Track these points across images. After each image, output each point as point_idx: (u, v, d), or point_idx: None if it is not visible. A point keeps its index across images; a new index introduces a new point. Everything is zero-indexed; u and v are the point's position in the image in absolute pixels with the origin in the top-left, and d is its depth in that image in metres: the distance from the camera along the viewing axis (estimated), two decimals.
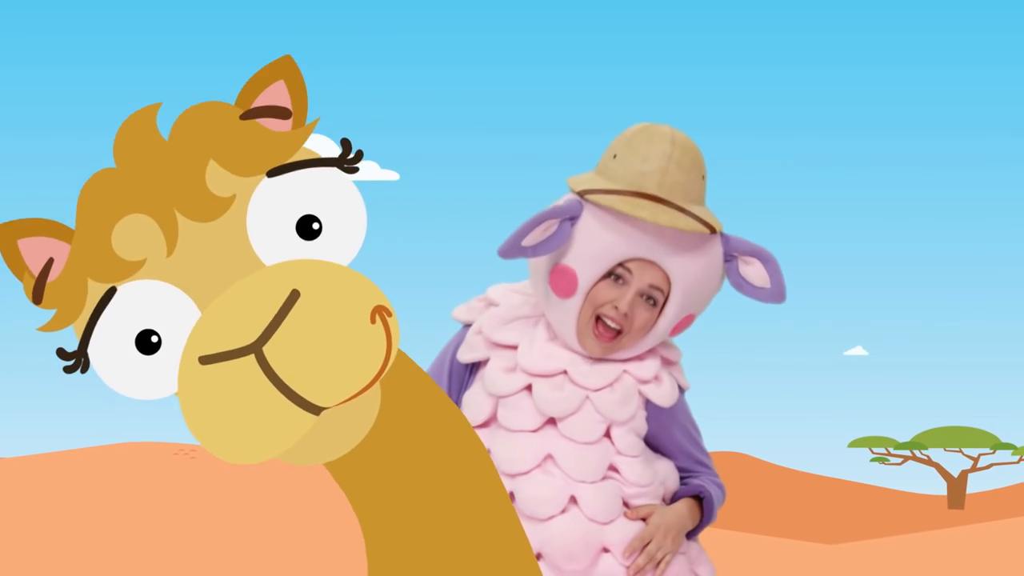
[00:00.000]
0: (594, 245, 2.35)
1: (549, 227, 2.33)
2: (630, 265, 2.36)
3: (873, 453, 26.80)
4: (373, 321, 1.63)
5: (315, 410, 1.62)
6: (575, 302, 2.37)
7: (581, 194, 2.37)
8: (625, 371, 2.43)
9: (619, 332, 2.39)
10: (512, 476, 2.37)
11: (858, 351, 29.66)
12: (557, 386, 2.39)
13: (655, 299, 2.38)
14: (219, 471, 15.54)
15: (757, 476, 28.56)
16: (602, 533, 2.39)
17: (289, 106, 1.73)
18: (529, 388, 2.40)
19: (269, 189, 1.70)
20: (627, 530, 2.41)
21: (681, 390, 2.51)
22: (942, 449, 26.55)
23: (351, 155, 1.73)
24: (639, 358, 2.44)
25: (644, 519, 2.42)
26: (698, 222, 2.35)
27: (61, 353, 1.71)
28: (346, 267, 1.68)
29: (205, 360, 1.62)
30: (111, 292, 1.68)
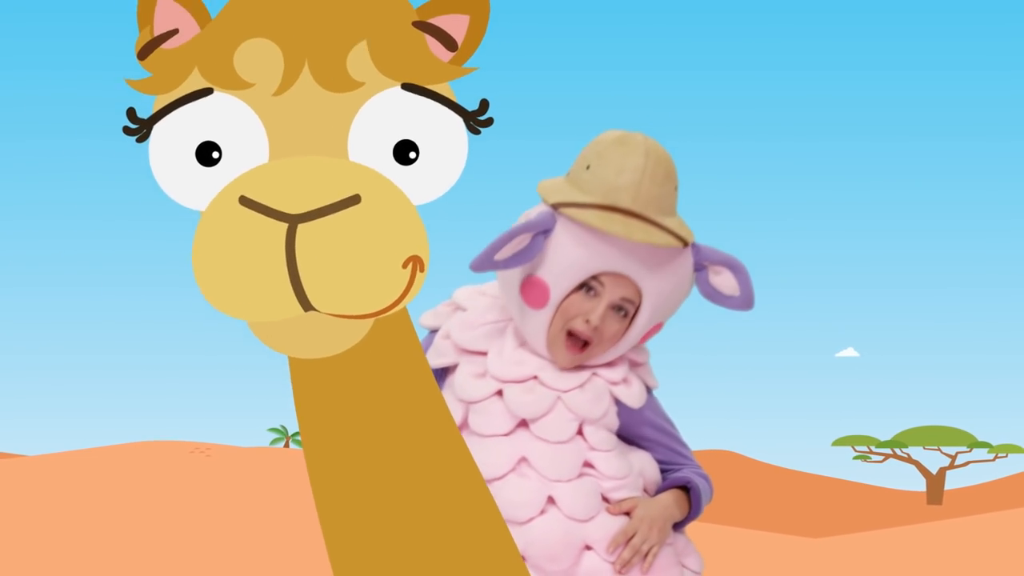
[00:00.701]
0: (566, 259, 2.28)
1: (522, 240, 2.27)
2: (602, 278, 2.30)
3: (855, 451, 26.82)
4: (405, 266, 1.59)
5: (306, 305, 1.58)
6: (546, 314, 2.30)
7: (555, 206, 2.30)
8: (595, 374, 2.36)
9: (588, 343, 2.32)
10: (488, 481, 2.29)
11: (849, 352, 29.73)
12: (528, 389, 2.32)
13: (626, 310, 2.32)
14: (233, 469, 15.52)
15: (746, 473, 28.55)
16: (583, 531, 2.31)
17: (460, 41, 1.68)
18: (499, 393, 2.33)
19: (394, 98, 1.65)
20: (609, 526, 2.32)
21: (650, 390, 2.44)
22: (921, 447, 26.57)
23: (484, 116, 1.67)
24: (608, 364, 2.38)
25: (628, 513, 2.34)
26: (672, 236, 2.28)
27: (132, 114, 1.65)
28: (414, 208, 1.62)
29: (244, 201, 1.57)
30: (207, 91, 1.64)
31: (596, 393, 2.35)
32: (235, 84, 1.63)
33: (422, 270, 1.60)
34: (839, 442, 27.02)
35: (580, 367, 2.35)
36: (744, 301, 2.34)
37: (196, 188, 1.65)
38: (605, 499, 2.34)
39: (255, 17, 1.64)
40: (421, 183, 1.66)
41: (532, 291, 2.30)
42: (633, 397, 2.38)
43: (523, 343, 2.35)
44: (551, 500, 2.30)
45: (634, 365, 2.42)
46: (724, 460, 29.06)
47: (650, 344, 2.43)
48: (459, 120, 1.67)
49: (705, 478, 2.46)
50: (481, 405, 2.32)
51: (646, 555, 2.31)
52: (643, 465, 2.41)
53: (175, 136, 1.65)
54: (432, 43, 1.67)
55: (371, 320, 1.66)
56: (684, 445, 2.49)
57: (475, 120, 1.67)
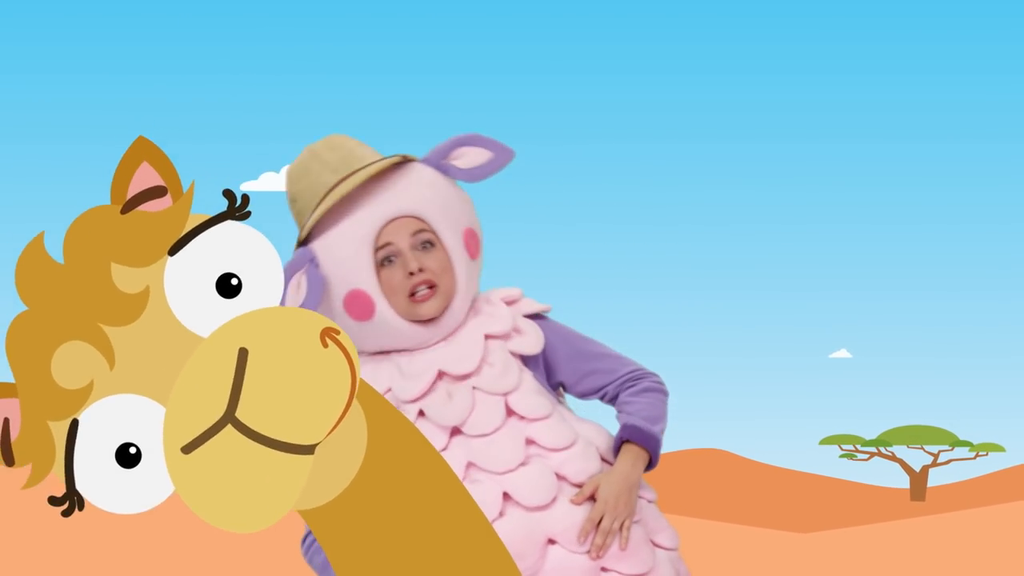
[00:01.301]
0: (344, 255, 2.23)
1: (299, 283, 2.22)
2: (383, 239, 2.25)
3: (842, 450, 26.80)
4: (326, 345, 1.54)
5: (308, 450, 1.53)
6: (383, 308, 2.25)
7: (299, 243, 2.29)
8: (486, 335, 2.29)
9: (433, 284, 2.26)
10: None
11: (843, 354, 29.60)
12: (443, 397, 2.26)
13: (429, 240, 2.26)
14: None
15: (736, 471, 28.51)
16: (547, 521, 2.21)
17: (161, 183, 1.63)
18: (421, 413, 2.26)
19: (176, 267, 1.60)
20: (574, 515, 2.22)
21: (542, 319, 2.35)
22: (905, 446, 26.57)
23: (238, 203, 1.62)
24: (486, 314, 2.30)
25: (592, 497, 2.23)
26: (388, 158, 2.26)
27: (53, 501, 1.62)
28: (277, 306, 1.59)
29: (187, 449, 1.53)
30: (74, 425, 1.59)
31: (503, 364, 2.27)
32: (81, 398, 1.59)
33: (339, 332, 1.56)
34: (826, 441, 27.00)
35: (463, 328, 2.28)
36: (501, 153, 2.29)
37: (148, 487, 1.60)
38: (563, 478, 2.24)
39: (33, 346, 1.59)
40: (262, 293, 1.62)
41: (355, 307, 2.26)
42: (530, 342, 2.31)
43: (410, 358, 2.29)
44: (507, 496, 2.22)
45: (511, 302, 2.34)
46: (715, 458, 29.04)
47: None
48: (231, 224, 1.62)
49: (648, 389, 2.35)
50: None
51: (620, 530, 2.22)
52: (590, 434, 2.31)
53: (95, 475, 1.60)
54: (150, 206, 1.62)
55: (361, 406, 1.63)
56: (611, 354, 2.38)
57: (237, 212, 1.63)
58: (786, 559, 10.93)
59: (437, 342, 2.29)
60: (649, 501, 2.34)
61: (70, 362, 1.58)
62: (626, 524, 2.23)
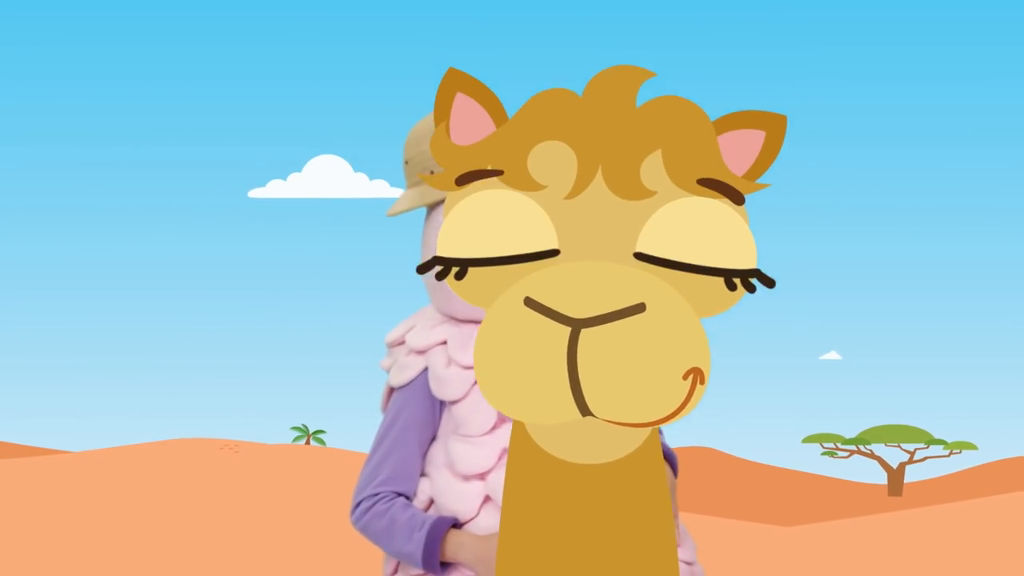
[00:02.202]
0: None
1: None
2: None
3: (823, 448, 26.85)
4: (685, 378, 1.45)
5: (584, 409, 1.46)
6: None
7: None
8: None
9: None
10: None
11: (833, 356, 29.60)
12: None
13: None
14: (259, 464, 15.52)
15: (724, 468, 28.55)
16: None
17: (753, 160, 1.53)
18: None
19: (686, 207, 1.51)
20: None
21: None
22: (883, 444, 26.61)
23: (766, 279, 1.51)
24: None
25: None
26: None
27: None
28: (698, 319, 1.49)
29: (529, 303, 1.45)
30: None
31: None
32: (528, 185, 1.51)
33: (702, 383, 1.47)
34: (808, 439, 27.04)
35: None
36: None
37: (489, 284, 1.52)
38: None
39: (551, 120, 1.52)
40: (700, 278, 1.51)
41: None
42: None
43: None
44: None
45: None
46: (704, 456, 29.04)
47: None
48: (747, 237, 1.53)
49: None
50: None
51: None
52: None
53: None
54: (727, 155, 1.52)
55: (646, 430, 1.56)
56: None
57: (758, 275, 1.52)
58: (770, 551, 10.94)
59: None
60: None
61: (553, 159, 1.51)
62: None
